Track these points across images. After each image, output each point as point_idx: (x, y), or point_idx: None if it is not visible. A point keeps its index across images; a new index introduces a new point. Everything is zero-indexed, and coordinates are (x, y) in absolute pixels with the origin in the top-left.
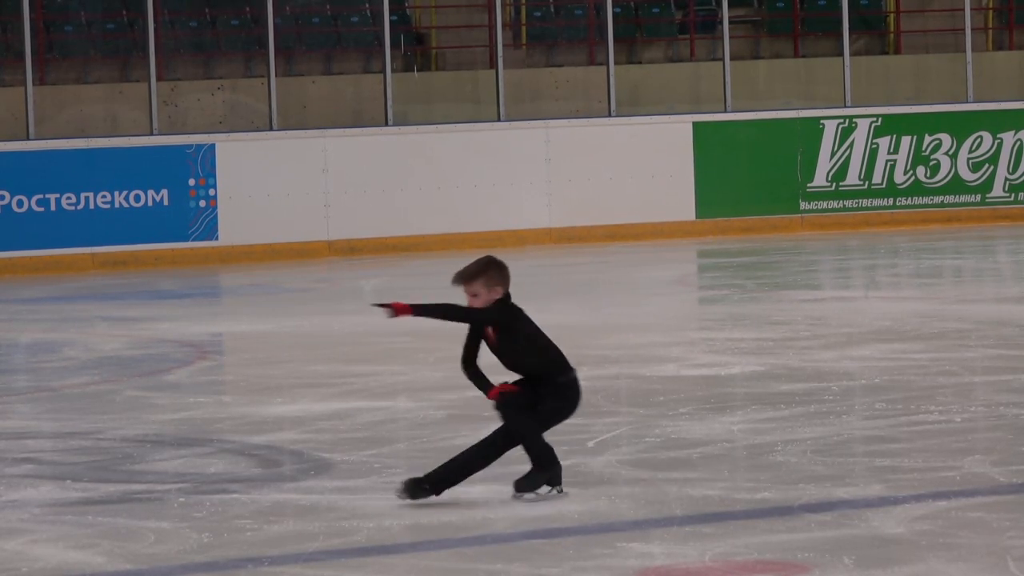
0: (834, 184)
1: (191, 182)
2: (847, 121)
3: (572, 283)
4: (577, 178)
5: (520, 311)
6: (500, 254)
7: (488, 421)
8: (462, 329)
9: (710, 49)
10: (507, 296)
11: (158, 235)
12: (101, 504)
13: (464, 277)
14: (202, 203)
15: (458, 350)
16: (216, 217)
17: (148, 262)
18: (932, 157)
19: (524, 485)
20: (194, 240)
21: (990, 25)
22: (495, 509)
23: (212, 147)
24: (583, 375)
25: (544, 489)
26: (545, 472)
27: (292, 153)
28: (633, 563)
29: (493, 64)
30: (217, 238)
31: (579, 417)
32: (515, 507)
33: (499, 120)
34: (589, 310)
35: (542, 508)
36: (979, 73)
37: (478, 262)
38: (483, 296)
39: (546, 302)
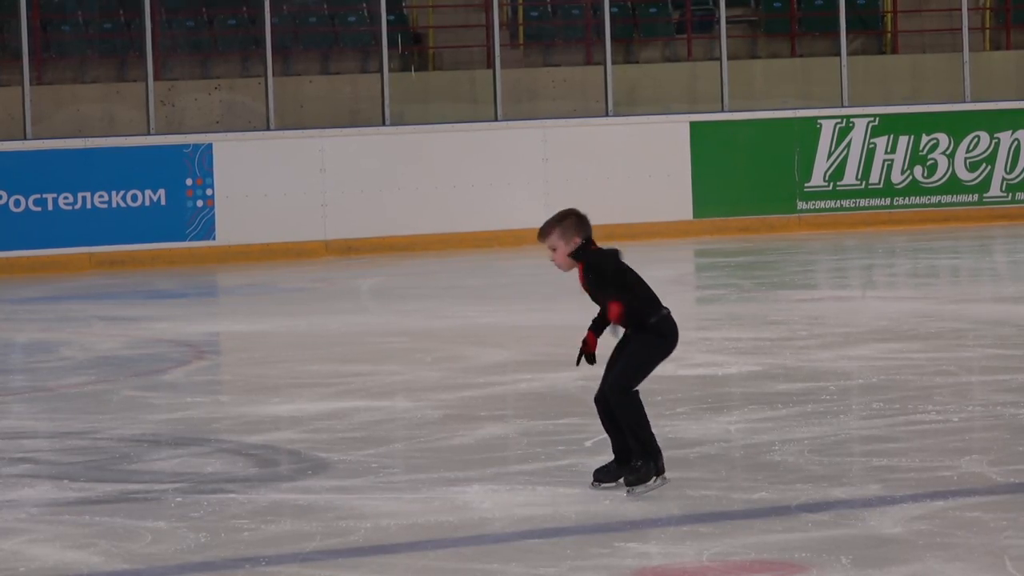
0: (831, 184)
1: (188, 182)
2: (844, 121)
3: (570, 283)
4: (574, 178)
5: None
6: (495, 255)
7: (485, 421)
8: (458, 329)
9: (707, 49)
10: (587, 242)
11: (155, 235)
12: (98, 504)
13: (541, 234)
14: (199, 203)
15: (455, 350)
16: (213, 217)
17: (145, 262)
18: (929, 157)
19: (634, 480)
20: (191, 240)
21: (987, 25)
22: (492, 509)
23: (209, 147)
24: (579, 374)
25: (654, 481)
26: (652, 463)
27: (289, 153)
28: (631, 563)
29: (490, 64)
30: (214, 238)
31: (576, 417)
32: (513, 507)
33: (496, 120)
34: (586, 309)
35: (539, 508)
36: (976, 73)
37: (556, 215)
38: (561, 249)
39: (544, 302)
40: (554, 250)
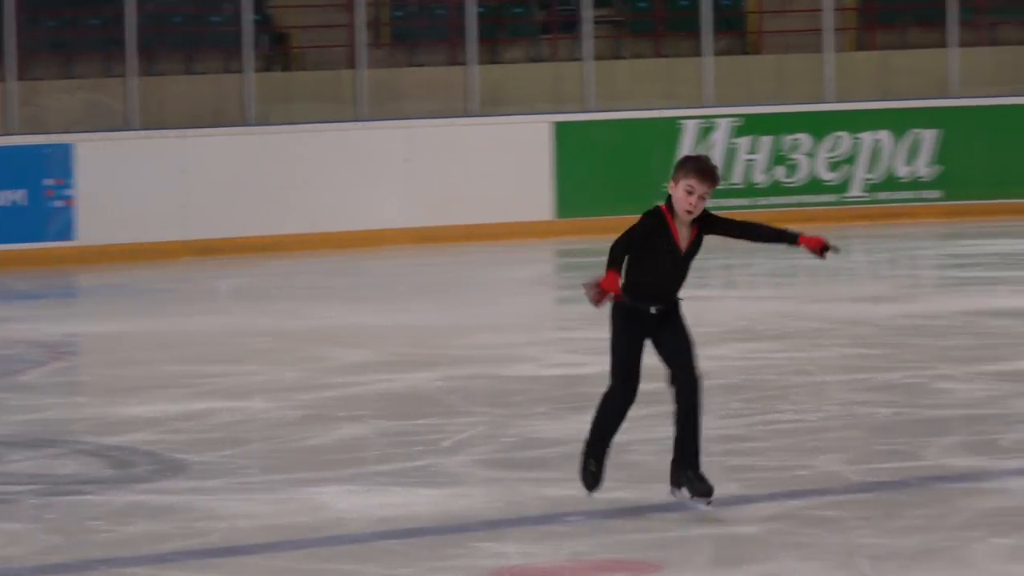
0: None
1: (48, 182)
2: (707, 121)
3: (431, 283)
4: (437, 178)
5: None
6: (357, 255)
7: (343, 422)
8: (318, 330)
9: (572, 49)
10: None
11: (14, 235)
12: None
13: (712, 176)
14: (59, 203)
15: (315, 350)
16: (74, 217)
17: (4, 262)
18: (791, 157)
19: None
20: (51, 240)
21: (851, 25)
22: (350, 510)
23: (71, 147)
24: (441, 375)
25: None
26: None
27: (151, 153)
28: (487, 563)
29: (354, 64)
30: (75, 238)
31: (435, 417)
32: (369, 508)
33: (360, 120)
34: (447, 310)
35: (397, 509)
36: (842, 73)
37: (714, 165)
38: (703, 203)
39: (405, 302)
40: (701, 199)
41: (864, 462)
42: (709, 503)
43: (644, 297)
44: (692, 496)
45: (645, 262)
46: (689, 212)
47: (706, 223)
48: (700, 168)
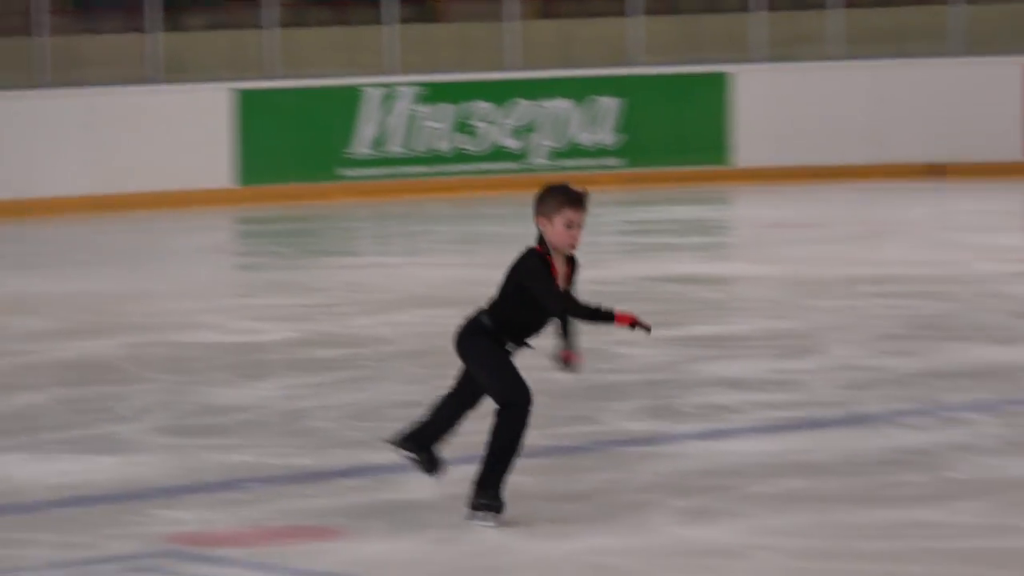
0: (376, 151)
1: None
2: (390, 89)
3: (110, 250)
4: (119, 145)
5: None
6: (37, 222)
7: (19, 390)
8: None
9: (255, 17)
10: None
11: None
12: None
13: (585, 202)
14: None
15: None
16: None
17: None
18: (473, 124)
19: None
20: None
21: None
22: (26, 478)
23: None
24: (119, 342)
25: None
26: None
27: None
28: (163, 529)
29: (35, 30)
30: None
31: (111, 384)
32: (46, 475)
33: (40, 87)
34: (126, 277)
35: (72, 476)
36: (525, 42)
37: (582, 189)
38: (582, 232)
39: (83, 269)
40: (581, 227)
41: (544, 427)
42: (493, 524)
43: (519, 333)
44: (472, 511)
45: (529, 301)
46: (572, 246)
47: (573, 266)
48: (573, 198)
